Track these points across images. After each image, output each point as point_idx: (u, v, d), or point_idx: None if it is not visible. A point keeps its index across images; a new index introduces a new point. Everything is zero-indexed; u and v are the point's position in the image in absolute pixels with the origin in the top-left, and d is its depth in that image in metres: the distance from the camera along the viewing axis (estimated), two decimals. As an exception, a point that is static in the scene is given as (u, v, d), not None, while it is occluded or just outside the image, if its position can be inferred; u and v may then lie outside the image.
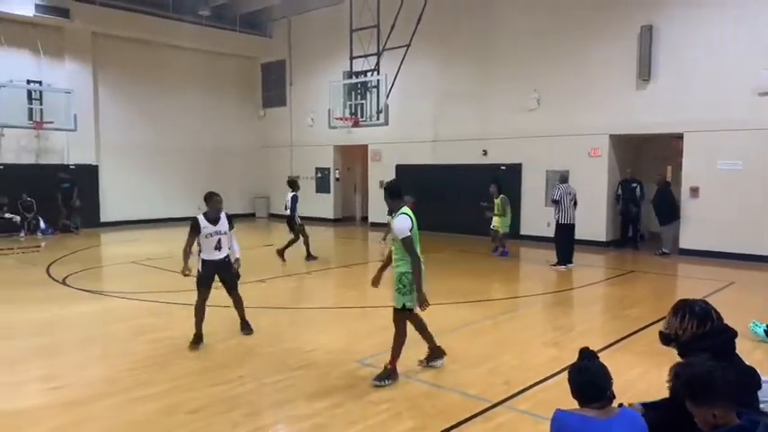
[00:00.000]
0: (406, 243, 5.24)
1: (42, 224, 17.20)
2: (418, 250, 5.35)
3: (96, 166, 18.98)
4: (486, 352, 6.50)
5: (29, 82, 17.27)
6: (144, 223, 19.58)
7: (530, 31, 15.52)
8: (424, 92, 17.75)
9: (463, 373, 5.69)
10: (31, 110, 17.20)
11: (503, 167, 15.98)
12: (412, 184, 18.13)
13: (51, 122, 17.22)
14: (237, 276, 7.00)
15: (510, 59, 15.97)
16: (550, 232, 12.46)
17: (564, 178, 12.34)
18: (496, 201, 13.12)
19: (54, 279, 10.64)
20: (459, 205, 16.46)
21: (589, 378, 2.63)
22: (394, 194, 5.52)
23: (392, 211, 5.48)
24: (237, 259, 6.89)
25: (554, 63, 15.13)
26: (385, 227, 14.72)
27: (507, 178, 15.41)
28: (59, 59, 18.08)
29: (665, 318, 3.38)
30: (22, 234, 16.69)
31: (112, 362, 6.19)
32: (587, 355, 2.71)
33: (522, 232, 15.55)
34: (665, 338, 3.29)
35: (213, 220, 6.59)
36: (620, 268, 12.16)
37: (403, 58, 15.83)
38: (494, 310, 8.48)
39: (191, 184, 20.86)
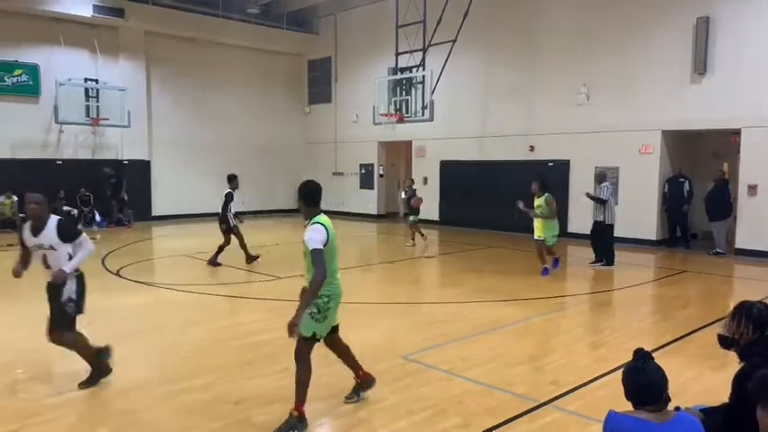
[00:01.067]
0: (315, 255, 4.29)
1: (98, 217, 17.86)
2: (333, 268, 4.51)
3: (148, 162, 19.56)
4: (533, 351, 6.41)
5: (86, 80, 17.94)
6: (193, 217, 20.08)
7: (578, 24, 15.18)
8: (469, 87, 17.60)
9: (509, 372, 5.62)
10: (88, 107, 17.87)
11: (550, 164, 15.71)
12: (457, 181, 18.17)
13: (107, 119, 17.84)
14: (65, 308, 5.08)
15: (558, 53, 15.65)
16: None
17: (603, 176, 11.69)
18: (538, 200, 10.47)
19: (109, 270, 11.01)
20: (505, 202, 16.23)
21: (645, 380, 2.55)
22: (309, 199, 4.58)
23: (307, 218, 4.53)
24: (61, 271, 4.94)
25: (604, 56, 14.75)
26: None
27: (555, 175, 15.14)
28: (114, 58, 18.69)
29: (720, 320, 3.26)
30: (79, 227, 17.33)
31: (163, 352, 6.37)
32: (642, 356, 2.63)
33: (570, 230, 15.24)
34: (724, 341, 3.17)
35: (35, 228, 5.09)
36: (670, 268, 11.79)
37: (449, 54, 15.72)
38: (540, 308, 8.34)
39: (239, 179, 21.37)
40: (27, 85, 17.10)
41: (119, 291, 9.40)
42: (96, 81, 18.16)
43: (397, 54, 16.35)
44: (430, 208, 19.04)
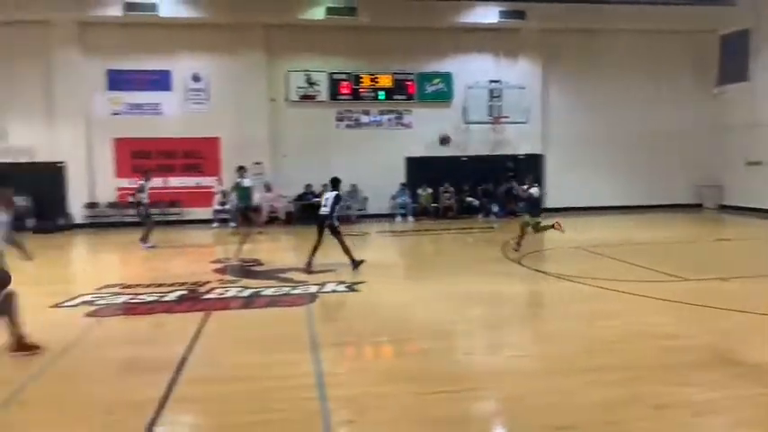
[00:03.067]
0: None
1: (495, 208, 19.42)
2: None
3: (541, 156, 20.27)
4: None
5: (490, 82, 19.63)
6: (588, 210, 20.02)
7: None
8: None
9: None
10: (490, 107, 19.61)
11: None
12: None
13: (507, 117, 19.30)
14: None
15: None
16: None
17: None
18: None
19: (509, 258, 11.77)
20: None
21: None
22: None
23: None
24: None
25: None
26: None
27: None
28: (513, 59, 19.94)
29: None
30: (479, 216, 19.22)
31: (566, 341, 6.41)
32: None
33: None
34: None
35: None
36: None
37: None
38: None
39: (631, 172, 20.51)
40: (443, 92, 19.68)
41: (513, 277, 10.03)
42: (498, 82, 19.69)
43: None
44: None
